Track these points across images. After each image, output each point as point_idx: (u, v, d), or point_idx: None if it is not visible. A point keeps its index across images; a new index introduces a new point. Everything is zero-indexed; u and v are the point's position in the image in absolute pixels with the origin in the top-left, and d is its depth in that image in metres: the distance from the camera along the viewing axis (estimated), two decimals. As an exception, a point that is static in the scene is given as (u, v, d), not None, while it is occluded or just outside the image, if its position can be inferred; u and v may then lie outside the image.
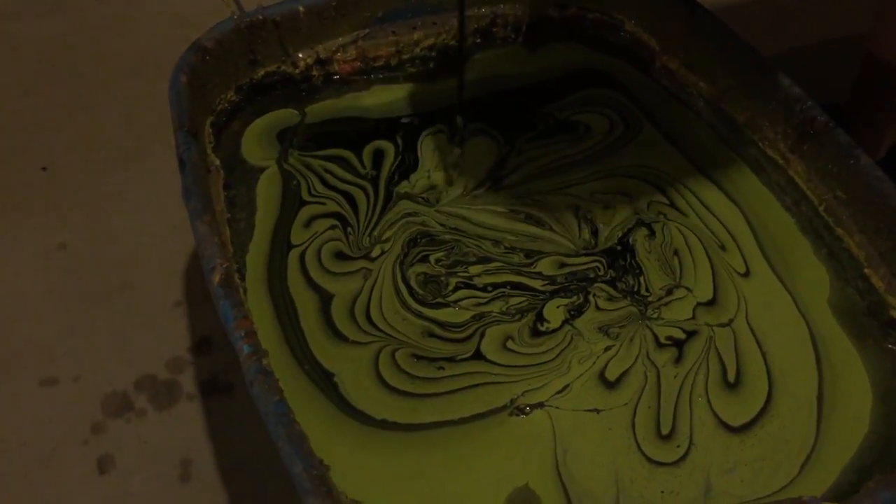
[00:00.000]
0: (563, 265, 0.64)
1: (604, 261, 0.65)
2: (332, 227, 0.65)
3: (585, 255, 0.65)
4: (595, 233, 0.66)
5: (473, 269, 0.63)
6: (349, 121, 0.73)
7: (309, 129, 0.71)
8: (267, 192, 0.66)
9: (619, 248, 0.66)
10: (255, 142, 0.69)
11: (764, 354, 0.60)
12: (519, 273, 0.63)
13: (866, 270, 0.62)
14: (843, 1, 1.07)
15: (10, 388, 0.67)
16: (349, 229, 0.65)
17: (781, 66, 0.69)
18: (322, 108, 0.73)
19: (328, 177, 0.68)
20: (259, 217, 0.64)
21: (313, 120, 0.72)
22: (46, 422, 0.66)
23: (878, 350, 0.59)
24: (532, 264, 0.64)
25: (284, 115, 0.72)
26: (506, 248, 0.65)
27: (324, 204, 0.66)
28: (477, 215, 0.67)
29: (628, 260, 0.65)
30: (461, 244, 0.65)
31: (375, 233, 0.65)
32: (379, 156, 0.71)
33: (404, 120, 0.73)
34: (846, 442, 0.55)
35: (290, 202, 0.66)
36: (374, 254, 0.64)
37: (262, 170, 0.68)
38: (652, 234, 0.67)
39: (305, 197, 0.67)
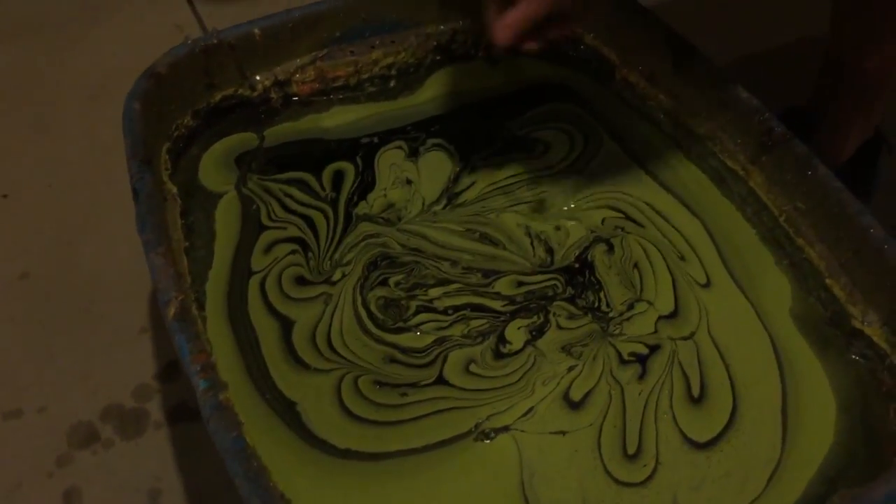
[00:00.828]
0: (520, 284, 0.64)
1: (561, 278, 0.64)
2: (293, 252, 0.64)
3: (542, 272, 0.65)
4: (550, 251, 0.66)
5: (433, 292, 0.63)
6: (308, 143, 0.72)
7: (268, 153, 0.71)
8: (226, 218, 0.66)
9: (576, 265, 0.65)
10: (213, 167, 0.69)
11: (727, 367, 0.60)
12: (478, 294, 0.63)
13: (828, 280, 0.62)
14: (802, 4, 1.08)
15: (-28, 422, 0.67)
16: (310, 254, 0.65)
17: (741, 72, 0.70)
18: (281, 131, 0.72)
19: (287, 200, 0.68)
20: (218, 244, 0.64)
21: (272, 143, 0.71)
22: (10, 455, 0.65)
23: (841, 360, 0.60)
24: (490, 284, 0.63)
25: (243, 139, 0.71)
26: (463, 268, 0.64)
27: (284, 229, 0.66)
28: (435, 234, 0.67)
29: (587, 276, 0.65)
30: (420, 265, 0.64)
31: (336, 256, 0.65)
32: (339, 177, 0.70)
33: (364, 140, 0.73)
34: (811, 454, 0.55)
35: (250, 228, 0.65)
36: (335, 277, 0.63)
37: (220, 195, 0.67)
38: (611, 248, 0.66)
39: (265, 222, 0.66)
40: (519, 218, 0.68)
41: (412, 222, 0.67)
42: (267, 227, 0.66)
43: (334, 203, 0.68)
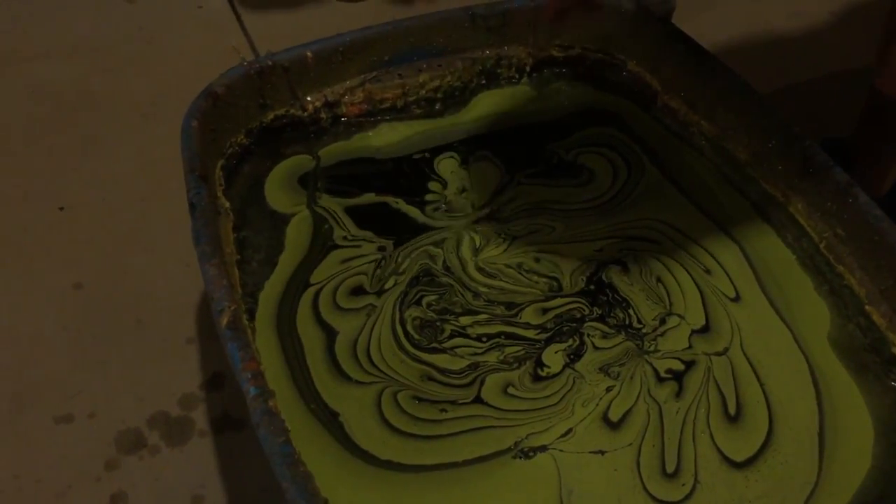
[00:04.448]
0: (545, 311, 0.64)
1: (584, 300, 0.65)
2: (362, 265, 0.66)
3: (560, 296, 0.65)
4: (554, 279, 0.67)
5: (463, 320, 0.63)
6: (367, 161, 0.74)
7: (327, 172, 0.72)
8: (296, 235, 0.67)
9: (592, 287, 0.66)
10: (278, 188, 0.70)
11: (762, 385, 0.60)
12: (509, 324, 0.63)
13: (867, 307, 0.62)
14: (842, 36, 1.08)
15: (25, 425, 0.69)
16: (379, 268, 0.66)
17: (782, 101, 0.70)
18: (334, 151, 0.74)
19: (359, 218, 0.69)
20: (284, 258, 0.65)
21: (328, 163, 0.73)
22: (61, 458, 0.67)
23: (880, 386, 0.60)
24: (517, 315, 0.64)
25: (298, 162, 0.73)
26: (486, 300, 0.65)
27: (359, 247, 0.67)
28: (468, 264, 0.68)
29: (610, 295, 0.65)
30: (453, 290, 0.65)
31: (399, 259, 0.66)
32: (409, 188, 0.72)
33: (416, 156, 0.75)
34: (849, 478, 0.55)
35: (319, 245, 0.67)
36: (388, 286, 0.65)
37: (291, 215, 0.69)
38: (625, 267, 0.67)
39: (338, 241, 0.67)
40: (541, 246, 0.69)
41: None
42: (339, 246, 0.67)
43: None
